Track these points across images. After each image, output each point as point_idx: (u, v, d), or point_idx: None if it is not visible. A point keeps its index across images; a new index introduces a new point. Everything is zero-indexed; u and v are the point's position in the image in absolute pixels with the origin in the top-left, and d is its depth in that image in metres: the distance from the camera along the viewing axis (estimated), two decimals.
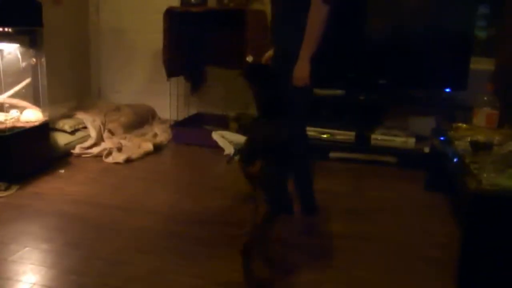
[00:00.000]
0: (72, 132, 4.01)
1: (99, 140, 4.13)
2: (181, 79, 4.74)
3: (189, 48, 4.59)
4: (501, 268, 2.10)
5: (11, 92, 3.50)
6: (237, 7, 4.25)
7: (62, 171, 3.58)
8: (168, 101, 4.72)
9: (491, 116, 3.14)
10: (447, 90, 3.97)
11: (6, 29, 3.32)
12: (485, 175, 2.22)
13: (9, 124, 3.31)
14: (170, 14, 4.18)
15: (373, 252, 2.48)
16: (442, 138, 3.08)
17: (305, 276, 2.23)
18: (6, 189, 3.12)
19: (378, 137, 3.94)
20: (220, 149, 3.96)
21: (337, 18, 4.10)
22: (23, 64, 3.58)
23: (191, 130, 4.42)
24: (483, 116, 3.16)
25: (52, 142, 3.74)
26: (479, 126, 3.13)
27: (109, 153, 3.93)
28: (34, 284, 2.10)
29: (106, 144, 4.06)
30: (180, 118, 4.78)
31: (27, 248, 2.40)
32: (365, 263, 2.36)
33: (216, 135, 4.05)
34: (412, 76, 4.01)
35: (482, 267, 2.12)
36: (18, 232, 2.58)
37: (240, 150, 2.48)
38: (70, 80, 4.84)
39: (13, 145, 3.26)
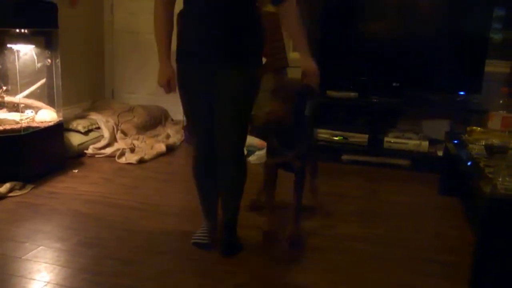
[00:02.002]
0: (86, 133, 4.04)
1: (112, 140, 4.16)
2: None
3: None
4: None
5: (27, 92, 3.54)
6: None
7: (76, 171, 3.61)
8: (181, 103, 4.73)
9: (507, 119, 3.11)
10: (462, 93, 3.94)
11: (22, 31, 3.36)
12: (500, 179, 2.19)
13: (24, 124, 3.35)
14: None
15: (386, 254, 2.46)
16: (456, 142, 3.05)
17: (317, 277, 2.22)
18: (21, 188, 3.15)
19: (391, 140, 3.92)
20: None
21: (351, 21, 4.12)
22: (39, 65, 3.61)
23: None
24: (498, 119, 3.13)
25: (66, 142, 3.77)
26: (494, 129, 3.10)
27: (122, 154, 3.95)
28: (47, 282, 2.11)
29: (119, 145, 4.09)
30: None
31: (41, 247, 2.42)
32: (377, 266, 2.35)
33: None
34: (426, 79, 3.98)
35: (495, 272, 2.09)
36: (32, 231, 2.61)
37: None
38: (84, 80, 4.88)
39: (28, 145, 3.29)
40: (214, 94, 2.24)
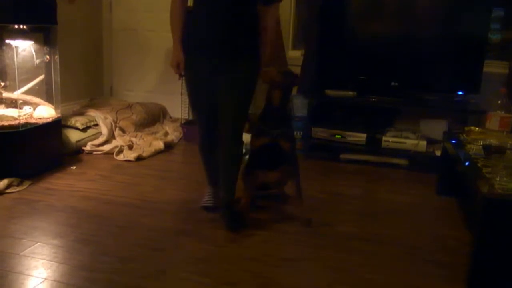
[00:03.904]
0: (84, 129, 4.04)
1: (111, 137, 4.15)
2: None
3: None
4: None
5: (25, 88, 3.53)
6: None
7: (74, 167, 3.61)
8: (179, 100, 4.73)
9: (505, 119, 3.11)
10: (460, 93, 3.95)
11: (21, 26, 3.35)
12: (497, 179, 2.20)
13: (22, 120, 3.34)
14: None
15: (383, 254, 2.47)
16: (454, 141, 3.05)
17: (315, 276, 2.23)
18: (18, 184, 3.15)
19: (389, 140, 3.92)
20: None
21: (350, 20, 4.13)
22: (37, 61, 3.61)
23: None
24: (496, 119, 3.13)
25: (64, 139, 3.77)
26: (492, 129, 3.10)
27: (120, 151, 3.95)
28: (45, 279, 2.11)
29: (117, 142, 4.08)
30: (191, 117, 4.79)
31: (38, 243, 2.42)
32: (375, 266, 2.35)
33: None
34: (424, 78, 3.99)
35: (493, 272, 2.10)
36: (30, 227, 2.61)
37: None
38: (83, 77, 4.87)
39: (26, 141, 3.29)
40: (218, 84, 2.54)
